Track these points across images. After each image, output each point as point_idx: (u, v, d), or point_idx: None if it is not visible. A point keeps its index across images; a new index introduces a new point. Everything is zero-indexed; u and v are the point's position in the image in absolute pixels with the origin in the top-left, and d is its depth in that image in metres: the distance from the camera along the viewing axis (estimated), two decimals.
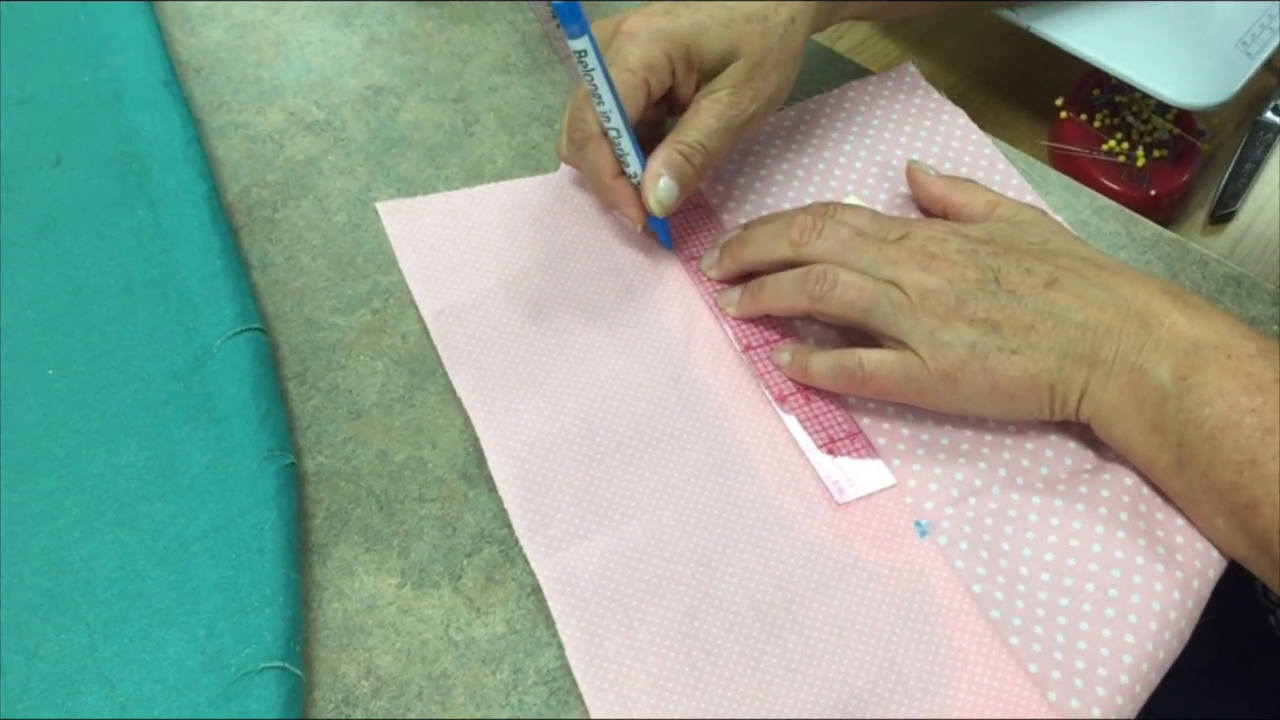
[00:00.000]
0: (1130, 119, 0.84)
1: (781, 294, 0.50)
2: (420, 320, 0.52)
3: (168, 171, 0.55)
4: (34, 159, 0.56)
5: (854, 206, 0.51)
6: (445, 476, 0.48)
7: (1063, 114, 0.84)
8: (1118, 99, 0.85)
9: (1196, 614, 0.45)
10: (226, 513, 0.45)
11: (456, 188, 0.57)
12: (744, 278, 0.53)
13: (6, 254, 0.53)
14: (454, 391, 0.50)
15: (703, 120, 0.50)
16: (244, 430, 0.47)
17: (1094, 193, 0.60)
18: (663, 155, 0.50)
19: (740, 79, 0.51)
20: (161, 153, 0.56)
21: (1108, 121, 0.84)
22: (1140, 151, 0.81)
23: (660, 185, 0.49)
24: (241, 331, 0.49)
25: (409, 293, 0.53)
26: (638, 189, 0.51)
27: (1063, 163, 0.83)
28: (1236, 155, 0.84)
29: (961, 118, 0.61)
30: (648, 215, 0.52)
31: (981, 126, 0.61)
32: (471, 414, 0.49)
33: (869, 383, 0.48)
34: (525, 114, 0.61)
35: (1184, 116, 0.84)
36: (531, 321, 0.52)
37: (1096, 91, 0.85)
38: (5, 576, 0.44)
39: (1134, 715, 0.43)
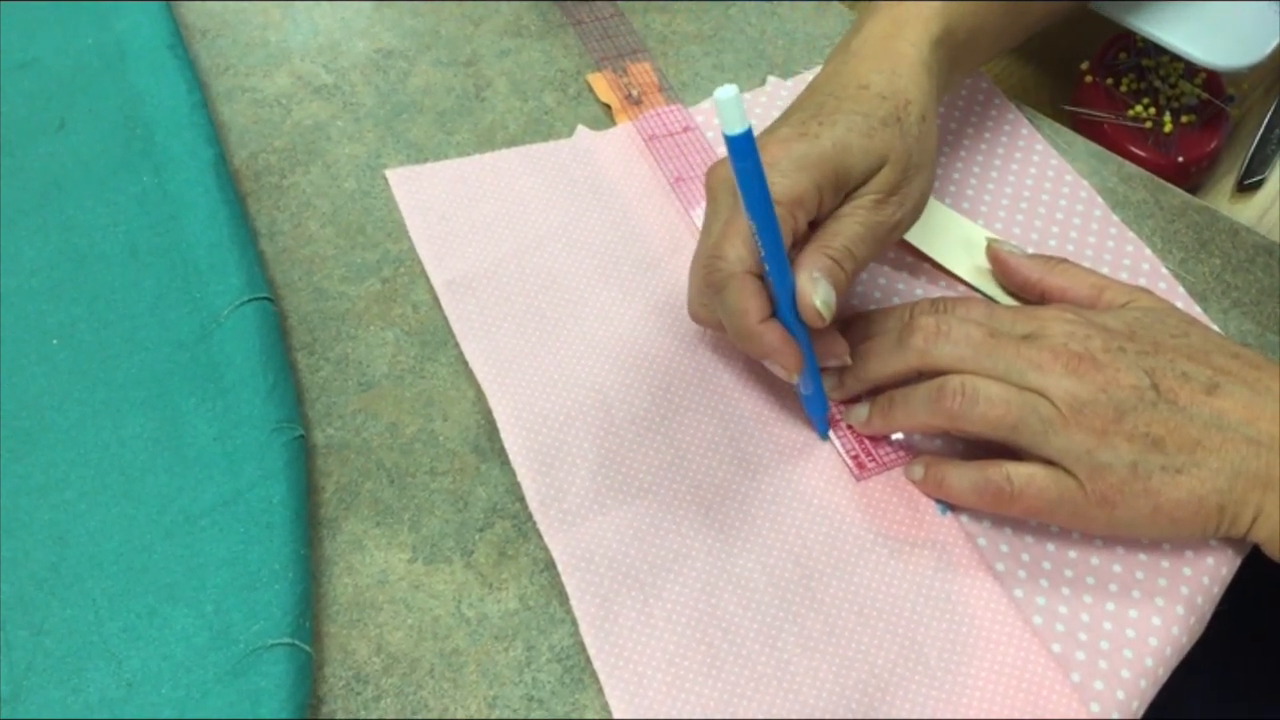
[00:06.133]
0: (1157, 83, 0.82)
1: (915, 412, 0.44)
2: (431, 290, 0.51)
3: (173, 137, 0.54)
4: (37, 123, 0.55)
5: (967, 299, 0.47)
6: (457, 450, 0.47)
7: (1087, 78, 0.82)
8: (1144, 63, 0.83)
9: (1218, 596, 0.44)
10: (234, 486, 0.44)
11: (468, 154, 0.56)
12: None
13: (9, 220, 0.52)
14: (466, 363, 0.49)
15: (847, 227, 0.44)
16: (252, 402, 0.46)
17: (1121, 160, 0.58)
18: (813, 261, 0.43)
19: (886, 186, 0.45)
20: (166, 117, 0.55)
21: (1134, 86, 0.82)
22: (1167, 117, 0.79)
23: (822, 288, 0.43)
24: (249, 301, 0.48)
25: (419, 261, 0.52)
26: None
27: (1087, 128, 0.81)
28: (1266, 120, 0.82)
29: (984, 81, 0.60)
30: (808, 399, 0.47)
31: (1004, 91, 0.60)
32: (484, 386, 0.48)
33: (1017, 500, 0.43)
34: (538, 78, 0.60)
35: (1212, 81, 0.82)
36: (545, 291, 0.51)
37: (1123, 55, 0.83)
38: (10, 550, 0.43)
39: (1152, 698, 0.42)
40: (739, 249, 0.43)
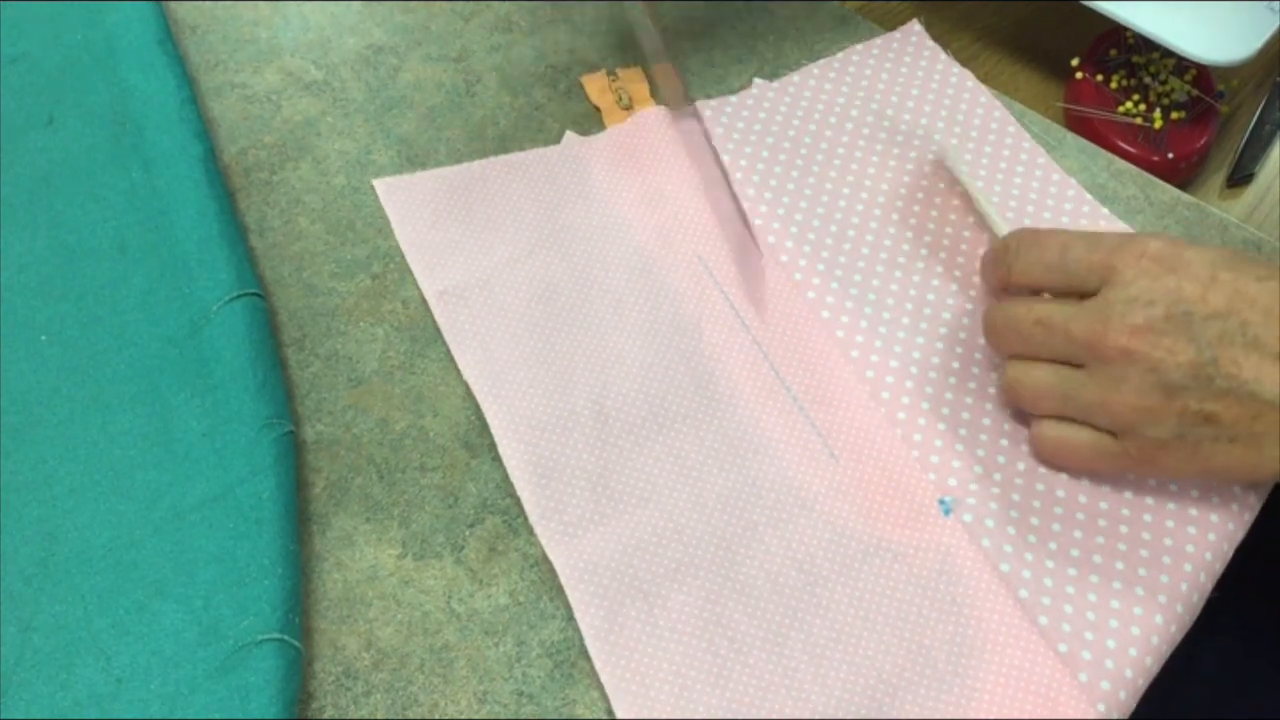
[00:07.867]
0: (1148, 80, 0.82)
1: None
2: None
3: (162, 132, 0.54)
4: (26, 119, 0.55)
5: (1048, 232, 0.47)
6: (447, 445, 0.47)
7: (1078, 75, 0.83)
8: (1134, 59, 0.83)
9: (1209, 588, 0.44)
10: (224, 482, 0.44)
11: (458, 149, 0.56)
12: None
13: None
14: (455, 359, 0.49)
15: None
16: (241, 398, 0.46)
17: (1111, 156, 0.58)
18: None
19: None
20: (156, 113, 0.54)
21: (1124, 83, 0.82)
22: (1157, 113, 0.79)
23: None
24: (238, 297, 0.48)
25: None
26: None
27: (1078, 125, 0.81)
28: (1256, 116, 0.82)
29: (970, 79, 0.60)
30: None
31: (995, 88, 0.60)
32: (479, 397, 0.47)
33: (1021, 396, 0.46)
34: (528, 74, 0.60)
35: (1202, 78, 0.82)
36: (538, 301, 0.50)
37: (1113, 51, 0.83)
38: None
39: (1143, 690, 0.42)
40: None
